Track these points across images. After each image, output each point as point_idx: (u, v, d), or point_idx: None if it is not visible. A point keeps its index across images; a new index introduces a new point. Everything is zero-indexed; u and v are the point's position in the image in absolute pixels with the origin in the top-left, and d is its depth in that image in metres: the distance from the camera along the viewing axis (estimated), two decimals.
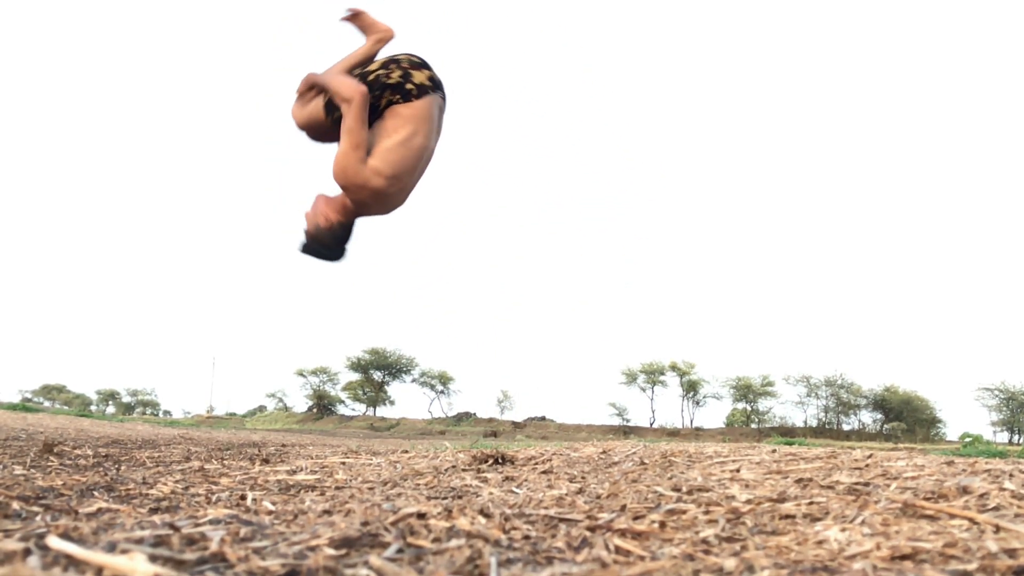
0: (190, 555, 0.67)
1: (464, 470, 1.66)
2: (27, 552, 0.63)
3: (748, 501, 1.01)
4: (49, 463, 2.04)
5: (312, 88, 2.29)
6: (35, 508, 1.05)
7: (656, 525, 0.89)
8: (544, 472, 1.56)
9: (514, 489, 1.32)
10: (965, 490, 0.99)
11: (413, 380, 49.79)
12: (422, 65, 2.26)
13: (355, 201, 2.16)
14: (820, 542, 0.79)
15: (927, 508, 0.90)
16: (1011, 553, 0.70)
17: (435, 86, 2.24)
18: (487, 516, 0.94)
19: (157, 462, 2.38)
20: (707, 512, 0.95)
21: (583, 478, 1.42)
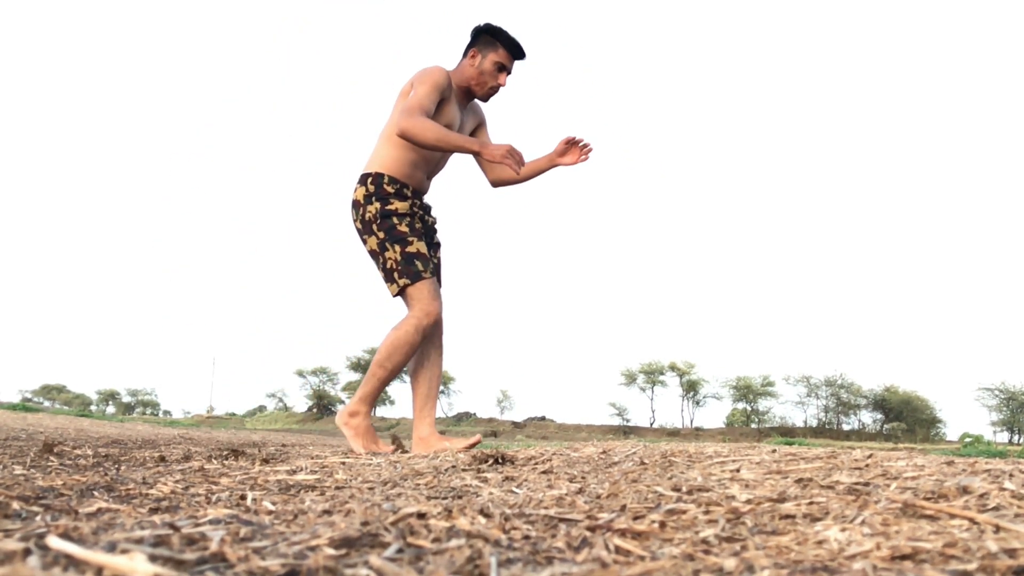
0: (190, 555, 0.66)
1: (464, 470, 1.66)
2: (27, 552, 0.63)
3: (748, 501, 1.01)
4: (49, 463, 2.04)
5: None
6: (35, 508, 1.05)
7: (656, 525, 0.89)
8: (544, 472, 1.56)
9: (514, 489, 1.32)
10: (965, 490, 0.99)
11: None
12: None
13: None
14: (820, 542, 0.79)
15: (927, 508, 0.90)
16: (1011, 553, 0.70)
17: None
18: (487, 516, 0.94)
19: (157, 462, 2.38)
20: (707, 512, 0.95)
21: (583, 478, 1.41)
